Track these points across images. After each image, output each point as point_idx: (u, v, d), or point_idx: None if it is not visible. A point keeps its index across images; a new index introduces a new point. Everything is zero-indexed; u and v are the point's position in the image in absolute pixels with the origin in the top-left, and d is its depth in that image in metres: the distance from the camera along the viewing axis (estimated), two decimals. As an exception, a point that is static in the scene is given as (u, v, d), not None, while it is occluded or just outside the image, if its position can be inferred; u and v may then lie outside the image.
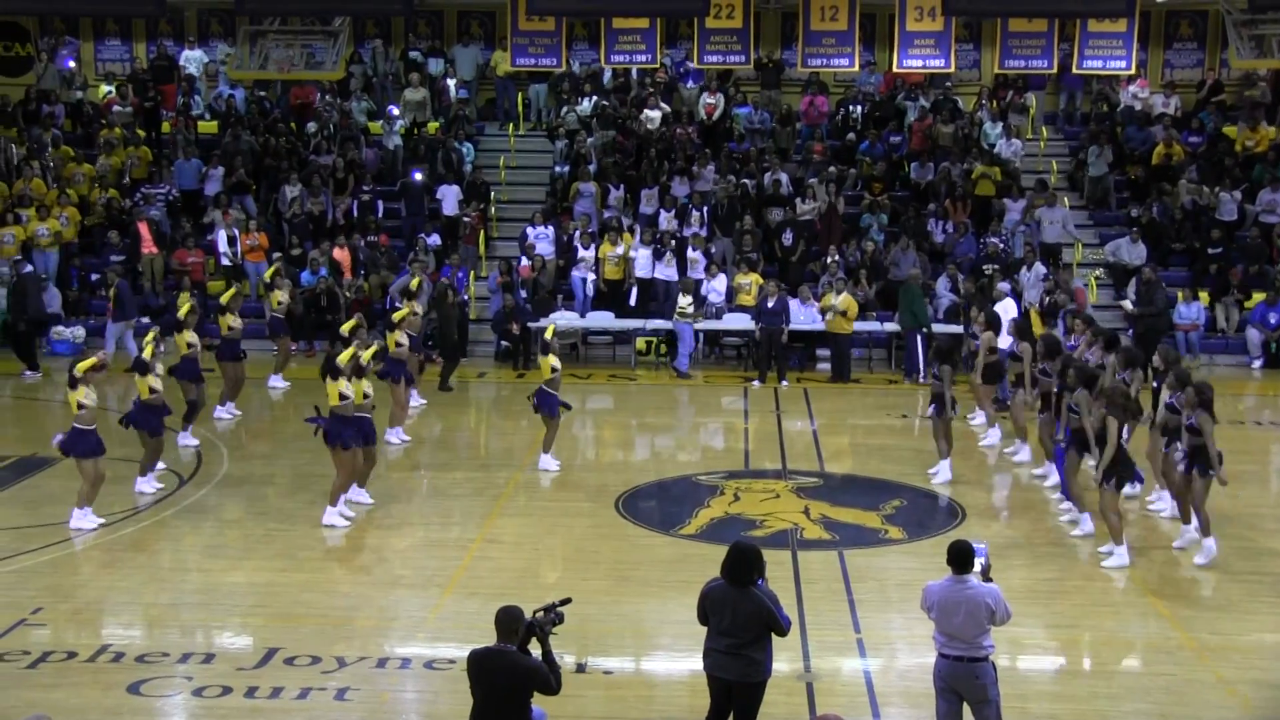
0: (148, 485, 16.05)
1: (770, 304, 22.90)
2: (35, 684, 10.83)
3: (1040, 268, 23.95)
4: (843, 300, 22.90)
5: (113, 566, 13.85)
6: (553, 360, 17.05)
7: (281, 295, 22.18)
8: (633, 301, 25.19)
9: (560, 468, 17.28)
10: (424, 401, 20.74)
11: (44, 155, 27.98)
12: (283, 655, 11.37)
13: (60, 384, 23.00)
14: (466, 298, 24.18)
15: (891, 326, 23.88)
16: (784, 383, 22.65)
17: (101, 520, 14.86)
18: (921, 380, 22.45)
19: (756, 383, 22.76)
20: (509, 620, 8.23)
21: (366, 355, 15.62)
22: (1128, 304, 24.36)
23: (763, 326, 22.94)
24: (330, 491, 15.06)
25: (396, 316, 19.12)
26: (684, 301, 23.50)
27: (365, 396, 15.24)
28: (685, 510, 15.61)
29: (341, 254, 25.35)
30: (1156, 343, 19.42)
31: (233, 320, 20.03)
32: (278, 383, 21.91)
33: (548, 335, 17.46)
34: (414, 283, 21.26)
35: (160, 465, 16.57)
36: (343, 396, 14.85)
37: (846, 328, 23.01)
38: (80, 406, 14.47)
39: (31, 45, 31.19)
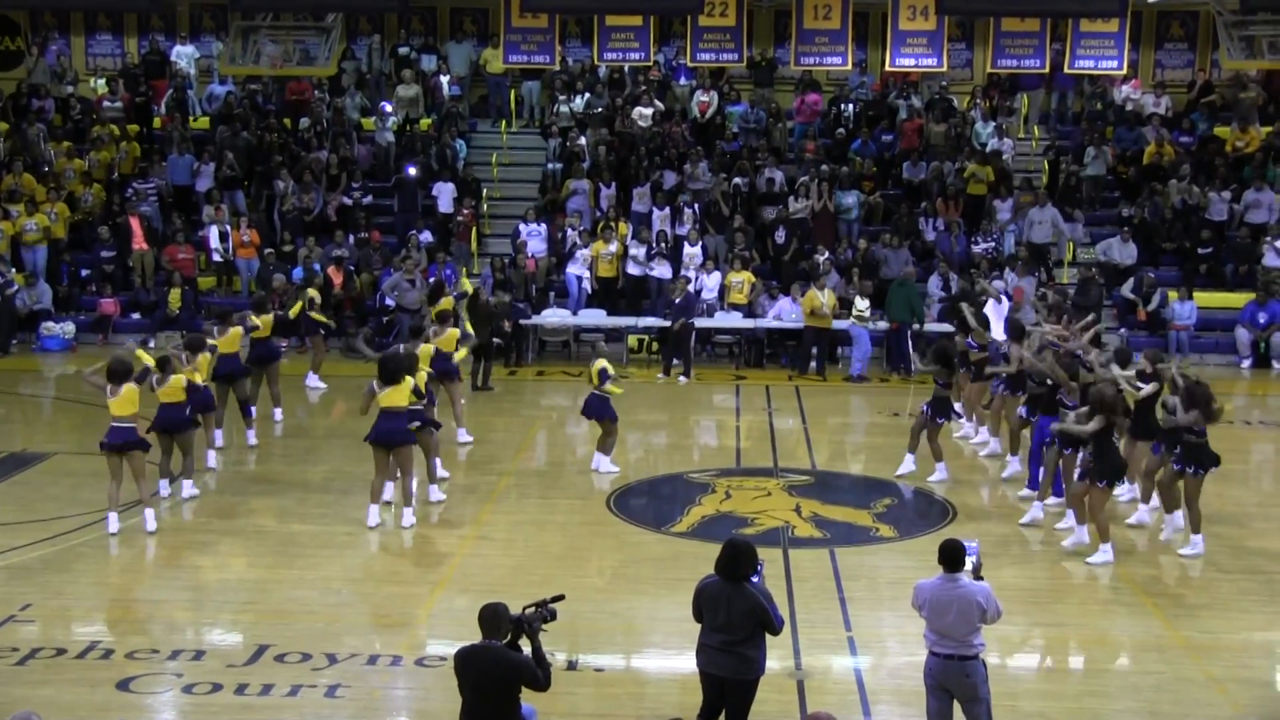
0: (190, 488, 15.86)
1: (677, 300, 23.10)
2: (24, 681, 10.80)
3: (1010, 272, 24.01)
4: (825, 295, 22.94)
5: (103, 563, 13.85)
6: (603, 364, 16.87)
7: (315, 294, 21.75)
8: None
9: (597, 467, 17.14)
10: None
11: (36, 150, 27.91)
12: (273, 652, 11.34)
13: (48, 379, 23.03)
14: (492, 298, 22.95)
15: (885, 325, 23.87)
16: (683, 378, 22.82)
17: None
18: (912, 374, 22.68)
19: (661, 376, 23.00)
20: (493, 618, 8.18)
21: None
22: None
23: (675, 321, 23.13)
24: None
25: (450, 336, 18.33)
26: (860, 305, 23.28)
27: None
28: (677, 508, 15.61)
29: (337, 275, 24.91)
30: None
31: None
32: (315, 382, 21.52)
33: (600, 366, 16.92)
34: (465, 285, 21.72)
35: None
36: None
37: (826, 323, 23.11)
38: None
39: (22, 39, 31.11)
